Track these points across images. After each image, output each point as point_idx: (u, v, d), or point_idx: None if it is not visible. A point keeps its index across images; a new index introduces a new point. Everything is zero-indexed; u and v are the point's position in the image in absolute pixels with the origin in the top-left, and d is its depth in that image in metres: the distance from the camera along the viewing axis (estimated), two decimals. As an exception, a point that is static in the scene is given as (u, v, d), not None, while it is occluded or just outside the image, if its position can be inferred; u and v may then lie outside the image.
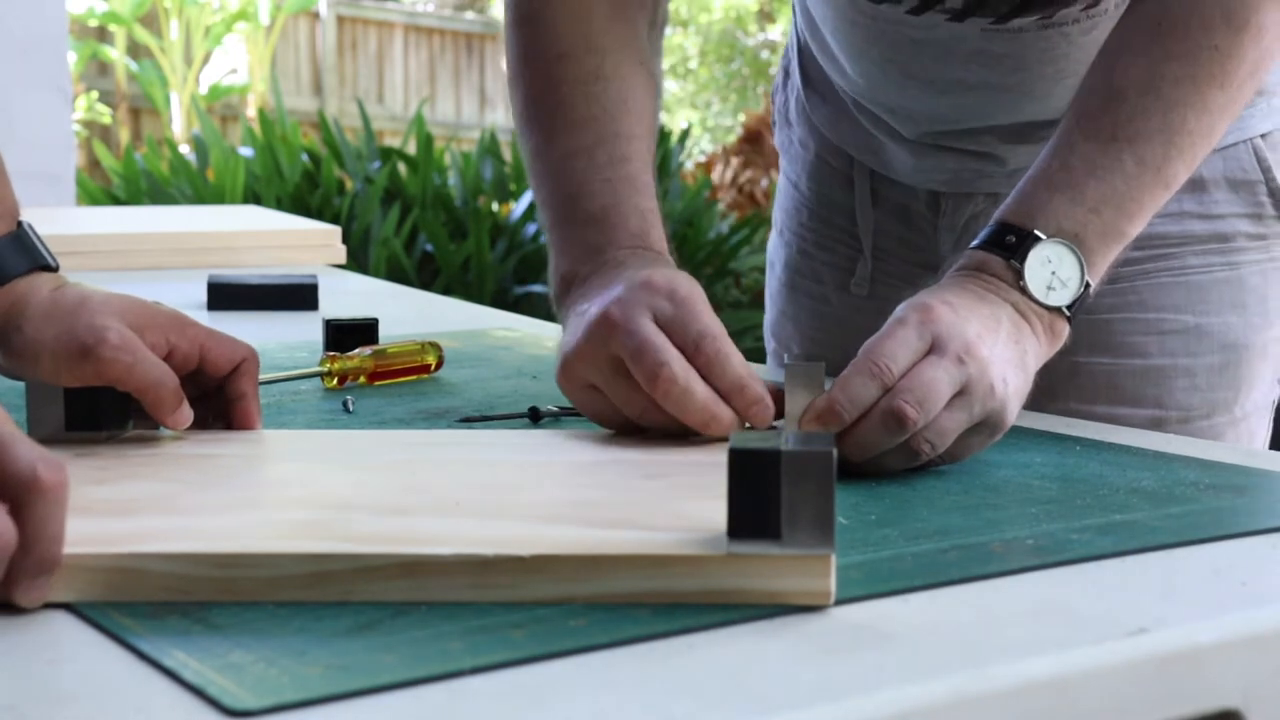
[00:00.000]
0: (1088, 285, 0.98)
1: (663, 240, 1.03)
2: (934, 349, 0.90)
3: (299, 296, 1.66)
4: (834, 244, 1.37)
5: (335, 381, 1.19)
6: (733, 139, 8.74)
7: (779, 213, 1.43)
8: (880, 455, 0.89)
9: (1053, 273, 0.97)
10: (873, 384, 0.89)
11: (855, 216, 1.35)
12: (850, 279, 1.36)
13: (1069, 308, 0.98)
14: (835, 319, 1.38)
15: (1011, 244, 0.98)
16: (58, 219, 2.39)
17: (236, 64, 9.71)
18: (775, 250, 1.43)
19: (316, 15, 10.40)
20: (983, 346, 0.91)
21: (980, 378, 0.90)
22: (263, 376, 1.00)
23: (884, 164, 1.33)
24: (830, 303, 1.38)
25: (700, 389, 0.91)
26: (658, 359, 0.90)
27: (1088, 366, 1.23)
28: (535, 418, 1.07)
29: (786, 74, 1.44)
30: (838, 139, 1.36)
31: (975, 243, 1.00)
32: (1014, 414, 0.93)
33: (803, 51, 1.38)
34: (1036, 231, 0.98)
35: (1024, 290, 0.97)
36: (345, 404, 1.12)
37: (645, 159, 1.07)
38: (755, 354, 1.28)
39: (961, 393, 0.90)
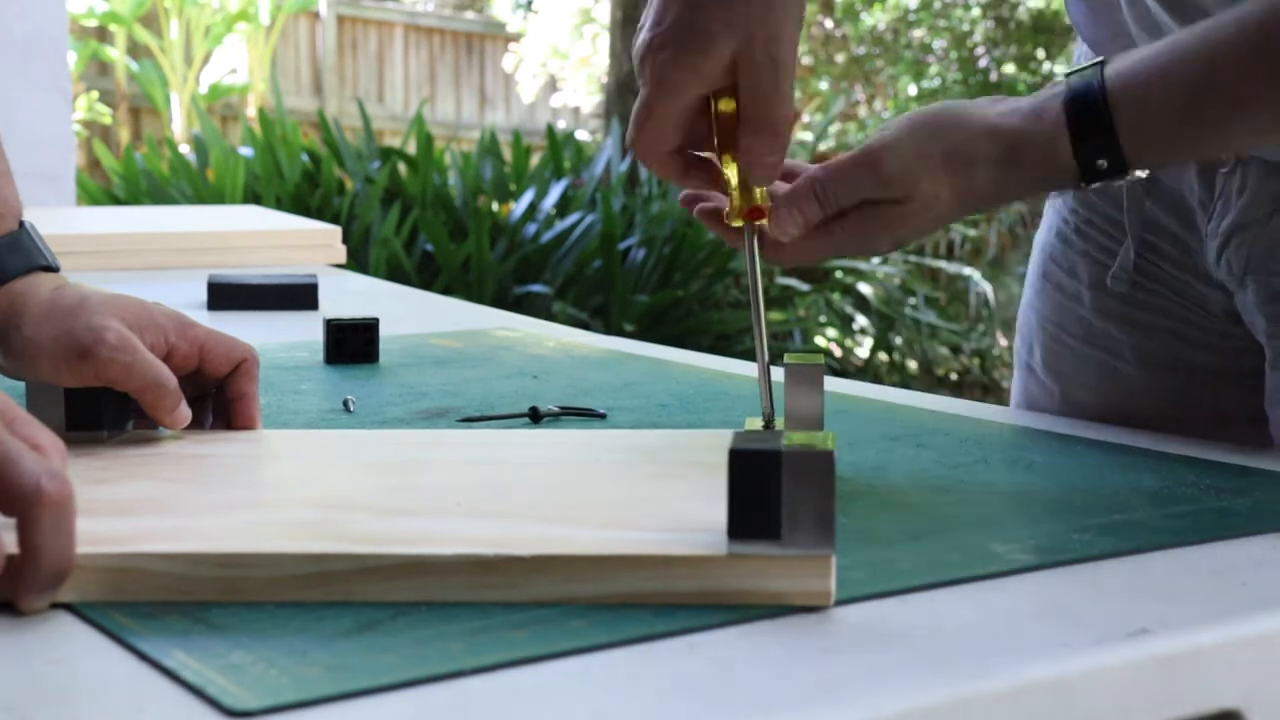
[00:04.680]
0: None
1: None
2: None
3: (299, 296, 1.66)
4: (1096, 232, 1.21)
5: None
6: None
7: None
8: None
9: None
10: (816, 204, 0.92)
11: (1122, 201, 1.18)
12: (1107, 274, 1.20)
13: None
14: (1081, 320, 1.23)
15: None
16: (58, 219, 2.39)
17: (236, 64, 9.70)
18: (1039, 232, 1.29)
19: (316, 15, 10.39)
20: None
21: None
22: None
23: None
24: (1082, 300, 1.22)
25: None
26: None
27: (1245, 435, 1.11)
28: (535, 418, 1.07)
29: None
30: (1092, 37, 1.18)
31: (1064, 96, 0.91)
32: (927, 201, 0.91)
33: None
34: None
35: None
36: (345, 404, 1.12)
37: None
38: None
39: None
